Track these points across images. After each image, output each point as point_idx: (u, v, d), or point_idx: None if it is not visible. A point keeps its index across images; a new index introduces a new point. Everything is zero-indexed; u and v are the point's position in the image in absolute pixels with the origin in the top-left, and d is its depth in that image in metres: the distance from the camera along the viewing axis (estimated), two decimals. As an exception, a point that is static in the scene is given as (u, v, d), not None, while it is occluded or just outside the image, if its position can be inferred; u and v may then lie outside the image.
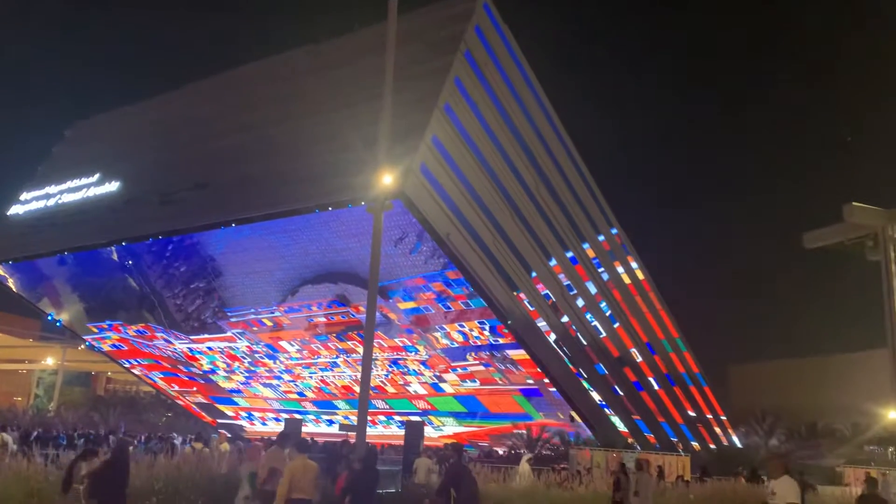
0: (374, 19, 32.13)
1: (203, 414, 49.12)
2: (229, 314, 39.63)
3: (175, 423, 48.06)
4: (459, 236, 29.54)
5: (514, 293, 32.04)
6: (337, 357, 39.03)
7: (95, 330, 46.17)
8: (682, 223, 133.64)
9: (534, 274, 33.56)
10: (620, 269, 39.99)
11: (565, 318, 35.17)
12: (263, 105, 35.91)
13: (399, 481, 16.34)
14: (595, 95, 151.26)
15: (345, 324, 36.33)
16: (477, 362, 34.90)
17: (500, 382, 35.23)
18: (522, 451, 29.25)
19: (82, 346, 53.87)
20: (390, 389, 39.11)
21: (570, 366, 34.84)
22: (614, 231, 40.43)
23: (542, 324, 33.70)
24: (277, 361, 41.81)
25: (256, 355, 42.01)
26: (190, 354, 44.08)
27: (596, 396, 35.84)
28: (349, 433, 27.52)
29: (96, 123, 47.67)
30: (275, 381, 43.69)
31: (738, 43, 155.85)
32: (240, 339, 41.07)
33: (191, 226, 34.56)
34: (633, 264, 41.41)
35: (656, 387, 40.09)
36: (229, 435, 41.77)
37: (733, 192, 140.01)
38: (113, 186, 39.69)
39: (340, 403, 42.24)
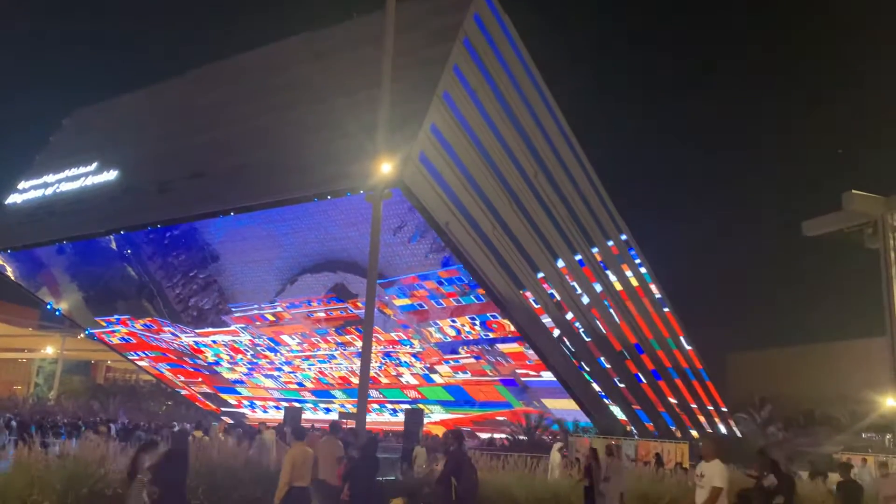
0: (372, 7, 31.99)
1: (208, 403, 49.72)
2: (233, 309, 40.29)
3: (175, 412, 48.32)
4: (458, 225, 29.52)
5: (512, 282, 32.07)
6: (335, 350, 39.88)
7: (104, 324, 46.56)
8: (680, 211, 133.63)
9: (540, 275, 33.88)
10: (620, 262, 39.99)
11: (557, 296, 35.12)
12: (261, 94, 35.78)
13: (398, 469, 16.37)
14: (594, 83, 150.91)
15: (343, 319, 37.13)
16: (468, 355, 35.94)
17: (490, 374, 36.22)
18: (556, 439, 28.78)
19: (82, 335, 53.97)
20: (384, 380, 39.82)
21: (572, 359, 35.08)
22: (615, 223, 40.41)
23: (541, 311, 33.81)
24: (278, 354, 42.70)
25: (258, 348, 42.87)
26: (195, 347, 44.82)
27: (596, 387, 36.09)
28: (348, 420, 27.89)
29: (94, 112, 47.54)
30: (276, 373, 44.56)
31: (738, 31, 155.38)
32: (243, 333, 41.89)
33: (189, 215, 34.53)
34: (632, 251, 41.38)
35: (657, 379, 40.22)
36: (231, 421, 42.58)
37: (732, 179, 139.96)
38: (111, 175, 39.62)
39: (337, 393, 43.05)
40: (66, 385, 63.62)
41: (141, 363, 49.65)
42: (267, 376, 45.13)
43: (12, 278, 45.52)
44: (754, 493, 14.19)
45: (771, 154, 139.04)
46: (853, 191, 40.96)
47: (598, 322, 37.07)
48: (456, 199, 29.76)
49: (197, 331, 43.04)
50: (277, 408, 44.94)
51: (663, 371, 40.65)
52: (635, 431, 36.48)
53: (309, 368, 42.74)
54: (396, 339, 37.13)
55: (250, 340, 42.31)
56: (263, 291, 38.57)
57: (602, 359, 36.79)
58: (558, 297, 34.74)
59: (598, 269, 37.93)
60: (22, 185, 44.77)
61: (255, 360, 43.99)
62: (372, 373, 37.96)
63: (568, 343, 35.12)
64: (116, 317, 45.10)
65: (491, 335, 33.99)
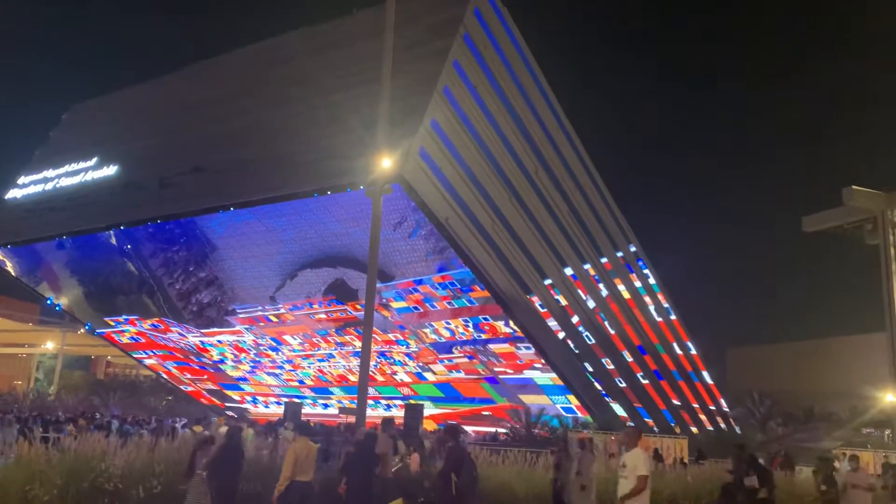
0: (372, 2, 31.93)
1: (213, 399, 50.38)
2: (238, 311, 40.91)
3: (175, 407, 48.47)
4: (458, 220, 29.50)
5: (512, 277, 32.09)
6: (334, 349, 40.63)
7: (112, 323, 46.94)
8: (680, 207, 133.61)
9: (547, 281, 34.15)
10: (620, 253, 39.99)
11: (561, 298, 35.28)
12: (262, 88, 35.74)
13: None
14: (594, 78, 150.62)
15: (343, 320, 37.83)
16: (462, 355, 36.68)
17: (482, 373, 37.18)
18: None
19: (82, 331, 53.99)
20: (379, 378, 40.28)
21: (573, 350, 35.24)
22: (614, 218, 40.42)
23: (547, 315, 34.10)
24: (280, 353, 43.33)
25: (261, 348, 43.54)
26: (201, 346, 45.41)
27: (598, 386, 36.30)
28: (348, 416, 28.32)
29: (94, 107, 47.45)
30: (277, 371, 45.22)
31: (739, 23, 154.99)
32: (247, 333, 42.46)
33: (189, 210, 34.50)
34: (632, 247, 41.40)
35: (660, 379, 40.36)
36: (234, 415, 43.04)
37: (732, 175, 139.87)
38: (111, 170, 39.56)
39: (335, 390, 43.73)
40: (66, 380, 63.67)
41: (149, 361, 50.36)
42: (269, 374, 45.83)
43: (12, 273, 45.52)
44: (734, 488, 14.29)
45: (772, 149, 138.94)
46: (854, 186, 41.04)
47: (602, 325, 37.29)
48: (456, 195, 29.71)
49: (203, 331, 43.58)
50: (278, 403, 45.43)
51: (666, 373, 40.86)
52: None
53: (309, 367, 43.48)
54: (394, 339, 37.93)
55: (254, 340, 43.03)
56: (263, 287, 38.64)
57: (605, 360, 37.00)
58: (563, 301, 34.98)
59: (604, 274, 38.06)
60: (22, 180, 44.70)
61: (258, 359, 44.77)
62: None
63: (572, 345, 35.40)
64: (125, 317, 45.61)
65: (483, 336, 34.99)
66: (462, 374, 37.95)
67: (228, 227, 36.06)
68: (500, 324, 33.72)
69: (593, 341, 36.38)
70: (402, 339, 37.74)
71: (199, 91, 39.46)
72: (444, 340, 36.39)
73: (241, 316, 41.26)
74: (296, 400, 41.04)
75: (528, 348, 34.34)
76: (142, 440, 14.04)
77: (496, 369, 36.61)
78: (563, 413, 36.09)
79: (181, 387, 51.34)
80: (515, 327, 33.36)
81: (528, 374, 35.80)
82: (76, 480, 11.23)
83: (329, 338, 39.85)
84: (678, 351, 42.43)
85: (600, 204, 38.97)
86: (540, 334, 33.42)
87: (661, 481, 16.12)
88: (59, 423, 26.28)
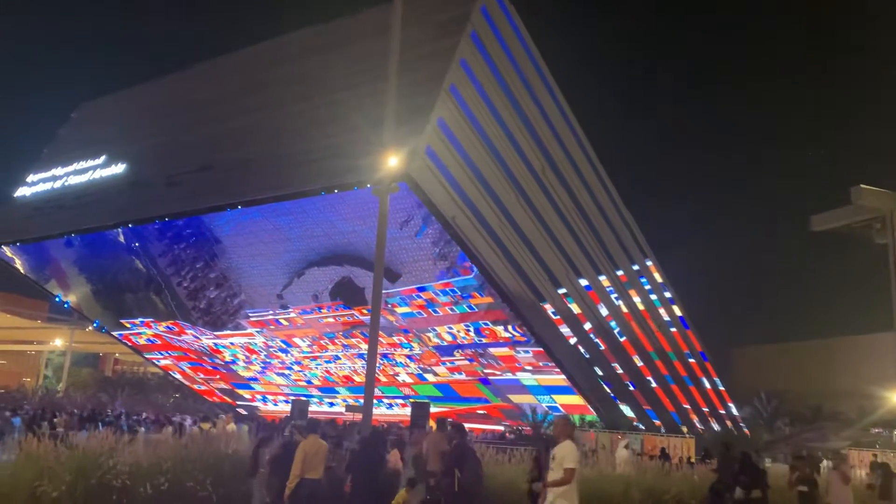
0: (378, 0, 31.92)
1: (225, 397, 51.13)
2: (249, 314, 41.64)
3: (182, 404, 48.75)
4: (465, 219, 29.51)
5: (520, 276, 32.10)
6: (340, 351, 41.47)
7: (128, 325, 47.52)
8: (686, 204, 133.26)
9: (561, 290, 34.43)
10: (636, 266, 40.17)
11: (565, 294, 35.26)
12: (268, 87, 35.78)
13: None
14: (603, 76, 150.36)
15: (350, 324, 38.65)
16: (463, 358, 37.40)
17: (481, 374, 38.06)
18: (622, 435, 29.02)
19: (90, 328, 54.25)
20: (382, 378, 40.84)
21: (584, 354, 35.46)
22: (623, 219, 40.40)
23: (550, 308, 34.09)
24: (289, 355, 44.09)
25: (272, 349, 44.27)
26: (214, 348, 46.15)
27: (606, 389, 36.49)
28: (355, 413, 28.59)
29: (102, 105, 47.64)
30: (287, 371, 45.98)
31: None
32: (258, 335, 43.15)
33: (196, 208, 34.63)
34: (648, 261, 41.57)
35: (670, 383, 40.42)
36: (245, 413, 43.76)
37: (739, 173, 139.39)
38: (119, 168, 39.72)
39: (341, 389, 44.52)
40: (74, 377, 63.99)
41: (165, 361, 51.10)
42: (279, 374, 46.55)
43: (21, 271, 45.80)
44: (722, 487, 14.24)
45: (778, 148, 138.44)
46: (862, 185, 40.86)
47: (613, 330, 37.55)
48: (463, 194, 29.71)
49: (216, 333, 44.32)
50: (286, 401, 45.95)
51: (677, 378, 40.98)
52: (641, 426, 36.59)
53: (316, 368, 44.25)
54: (398, 342, 38.77)
55: (264, 342, 43.75)
56: (271, 285, 38.78)
57: (615, 364, 37.19)
58: (573, 305, 35.16)
59: (619, 286, 38.19)
60: (30, 178, 44.94)
61: (268, 360, 45.59)
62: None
63: (583, 350, 35.62)
64: (140, 319, 46.26)
65: (484, 340, 35.74)
66: (463, 377, 38.87)
67: (236, 226, 36.17)
68: (499, 328, 34.54)
69: (603, 347, 36.63)
70: (405, 342, 38.47)
71: (207, 90, 39.56)
72: (445, 344, 37.14)
73: (252, 319, 41.98)
74: (302, 398, 41.33)
75: (526, 352, 35.01)
76: (149, 437, 14.11)
77: (486, 371, 37.53)
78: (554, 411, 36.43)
79: (194, 386, 51.93)
80: (514, 332, 33.85)
81: (516, 375, 36.98)
82: (84, 477, 11.29)
83: (336, 340, 40.64)
84: (690, 359, 42.53)
85: (609, 205, 38.87)
86: (546, 334, 33.44)
87: (668, 480, 16.14)
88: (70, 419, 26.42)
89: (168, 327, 45.74)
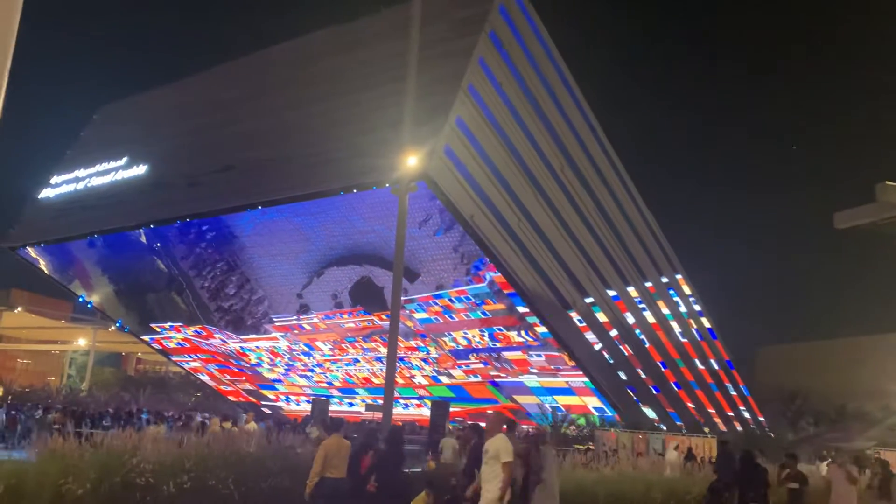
0: (397, 0, 31.96)
1: (250, 397, 51.93)
2: (274, 319, 42.43)
3: (204, 403, 49.18)
4: (483, 218, 29.47)
5: (539, 276, 32.03)
6: (360, 354, 42.14)
7: (158, 330, 48.44)
8: (710, 204, 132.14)
9: (586, 301, 34.54)
10: (665, 279, 40.09)
11: (585, 296, 35.24)
12: (288, 87, 35.95)
13: (426, 461, 16.41)
14: (624, 75, 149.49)
15: (369, 329, 39.35)
16: (478, 361, 38.09)
17: (494, 377, 38.76)
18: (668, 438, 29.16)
19: (113, 328, 54.80)
20: (399, 380, 41.35)
21: (608, 359, 35.54)
22: (645, 220, 40.28)
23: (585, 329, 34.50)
24: (312, 358, 44.84)
25: (295, 352, 44.97)
26: (241, 351, 46.93)
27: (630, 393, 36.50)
28: (375, 413, 28.77)
29: (123, 107, 48.09)
30: (309, 373, 46.73)
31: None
32: (282, 339, 43.86)
33: (218, 208, 34.89)
34: (678, 275, 41.45)
35: (695, 388, 40.25)
36: (269, 412, 44.80)
37: (763, 173, 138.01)
38: (141, 169, 40.09)
39: (360, 391, 45.24)
40: (97, 376, 64.62)
41: (194, 364, 51.94)
42: (301, 376, 47.23)
43: (45, 272, 46.37)
44: (721, 486, 14.10)
45: (803, 146, 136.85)
46: (887, 181, 40.26)
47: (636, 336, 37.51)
48: (481, 193, 29.68)
49: (242, 337, 45.09)
50: (308, 402, 46.32)
51: (703, 384, 40.80)
52: (663, 426, 36.40)
53: (337, 370, 44.88)
54: (415, 346, 39.40)
55: (288, 346, 44.43)
56: (291, 284, 39.02)
57: (640, 369, 37.16)
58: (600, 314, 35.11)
59: (624, 263, 37.89)
60: (54, 179, 45.50)
61: (291, 363, 46.29)
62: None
63: (607, 355, 35.68)
64: (170, 324, 47.05)
65: (498, 344, 36.21)
66: (479, 379, 39.45)
67: (256, 226, 36.42)
68: (512, 333, 35.01)
69: (627, 354, 36.71)
70: (423, 346, 39.11)
71: (227, 91, 39.82)
72: (461, 348, 37.71)
73: (276, 324, 42.63)
74: (322, 398, 41.63)
75: (539, 356, 35.22)
76: (170, 435, 14.17)
77: (492, 373, 38.16)
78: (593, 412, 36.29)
79: (221, 387, 52.67)
80: (527, 336, 34.14)
81: (520, 377, 37.56)
82: (109, 475, 11.38)
83: (356, 344, 41.30)
84: (715, 366, 42.35)
85: (631, 207, 38.71)
86: (568, 336, 33.41)
87: (690, 480, 16.04)
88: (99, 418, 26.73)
89: (196, 331, 46.55)
